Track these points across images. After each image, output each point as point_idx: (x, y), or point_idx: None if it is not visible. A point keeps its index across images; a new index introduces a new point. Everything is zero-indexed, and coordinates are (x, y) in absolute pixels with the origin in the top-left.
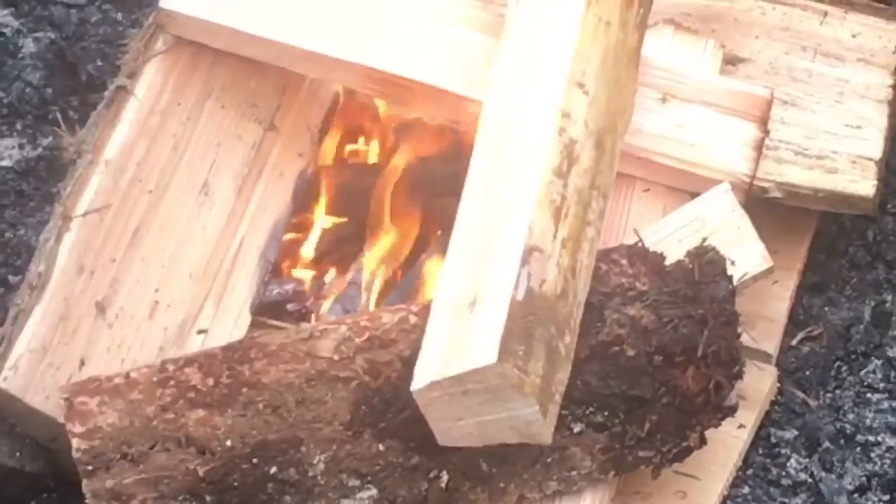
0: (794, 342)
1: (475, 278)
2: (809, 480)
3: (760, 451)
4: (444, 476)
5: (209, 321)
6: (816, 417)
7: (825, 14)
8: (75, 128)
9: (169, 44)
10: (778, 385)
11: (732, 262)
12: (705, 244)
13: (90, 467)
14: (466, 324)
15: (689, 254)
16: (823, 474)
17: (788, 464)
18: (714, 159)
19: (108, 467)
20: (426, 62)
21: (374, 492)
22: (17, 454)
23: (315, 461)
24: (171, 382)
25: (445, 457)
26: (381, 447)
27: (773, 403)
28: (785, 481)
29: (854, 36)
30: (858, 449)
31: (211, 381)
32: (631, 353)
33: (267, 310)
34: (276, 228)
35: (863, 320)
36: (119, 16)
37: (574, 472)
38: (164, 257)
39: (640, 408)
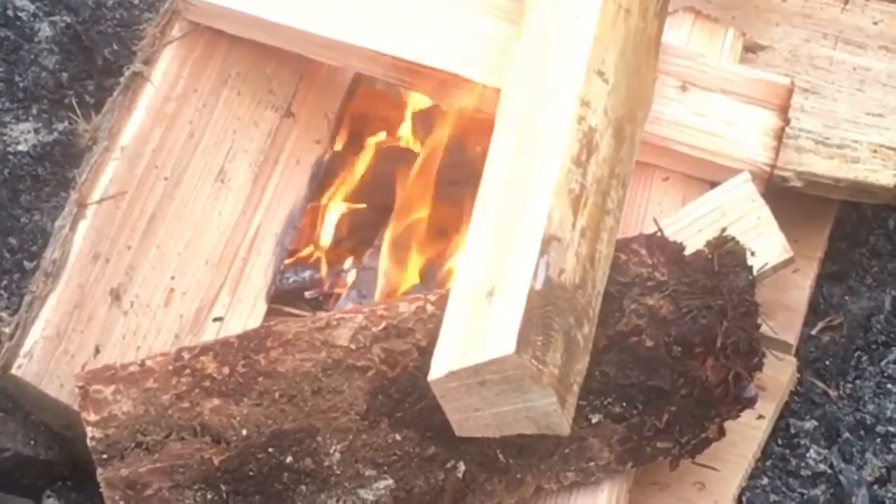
0: (813, 332)
1: (493, 267)
2: (829, 471)
3: (780, 442)
4: (461, 466)
5: (225, 309)
6: (836, 408)
7: (846, 1)
8: (91, 112)
9: (185, 30)
10: (797, 375)
11: (752, 253)
12: (725, 234)
13: (105, 456)
14: (484, 313)
15: (708, 244)
16: (843, 465)
17: (808, 455)
18: (734, 148)
19: (123, 456)
20: (445, 49)
21: (390, 482)
22: (32, 442)
23: (331, 451)
24: (187, 371)
25: (462, 447)
26: (397, 437)
27: (792, 394)
28: (804, 472)
29: (876, 23)
30: (878, 440)
31: (227, 370)
32: (650, 343)
33: (283, 297)
34: (293, 216)
35: (883, 310)
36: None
37: (592, 464)
38: (179, 245)
39: (659, 399)
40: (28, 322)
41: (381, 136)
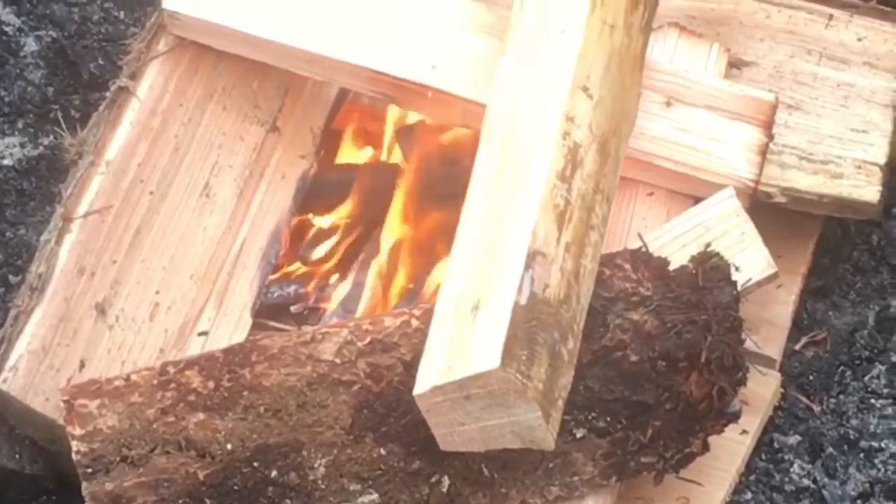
0: (797, 347)
1: (478, 282)
2: (812, 486)
3: (763, 457)
4: (446, 481)
5: (210, 323)
6: (820, 423)
7: (830, 17)
8: (76, 127)
9: (171, 45)
10: (781, 390)
11: (737, 268)
12: (709, 249)
13: (90, 470)
14: (469, 328)
15: (693, 259)
16: (827, 480)
17: (792, 469)
18: (718, 164)
19: (108, 470)
20: (429, 64)
21: (374, 496)
22: (17, 456)
23: (316, 465)
24: (172, 385)
25: (447, 462)
26: (382, 451)
27: (776, 409)
28: (788, 487)
29: (860, 39)
30: (862, 455)
31: (212, 384)
32: (634, 358)
33: (268, 312)
34: (278, 230)
35: (867, 325)
36: (121, 14)
37: (576, 478)
38: (164, 259)
39: (643, 413)
40: (13, 336)
41: (367, 150)
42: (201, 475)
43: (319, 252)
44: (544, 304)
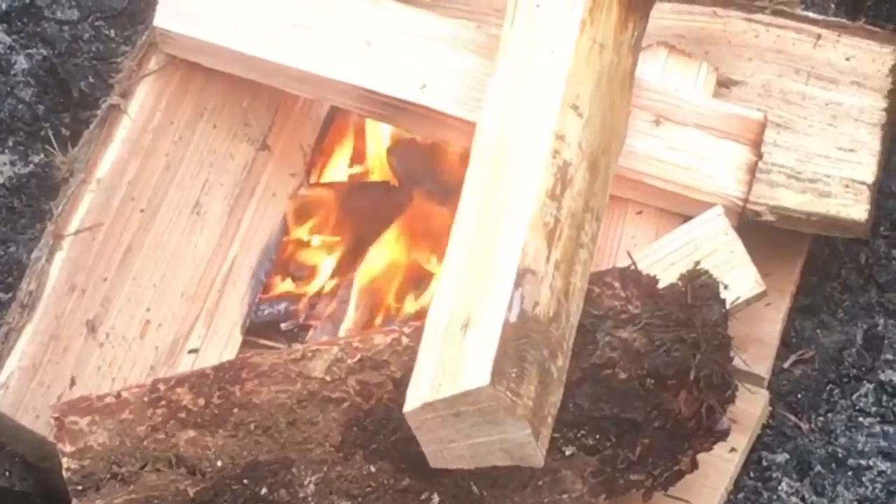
0: (785, 365)
1: (468, 300)
2: None
3: (752, 475)
4: (435, 498)
5: (200, 341)
6: (808, 441)
7: (819, 37)
8: (67, 145)
9: (162, 63)
10: (769, 408)
11: (725, 286)
12: (698, 267)
13: (80, 487)
14: (459, 346)
15: (681, 277)
16: (815, 498)
17: (780, 487)
18: (707, 182)
19: (99, 487)
20: (420, 83)
21: None
22: (7, 473)
23: (306, 482)
24: (162, 402)
25: (436, 479)
26: (371, 469)
27: (764, 426)
28: None
29: (848, 59)
30: (850, 473)
31: (202, 402)
32: (623, 376)
33: (259, 329)
34: (268, 248)
35: (855, 343)
36: (111, 33)
37: (565, 496)
38: (155, 276)
39: (632, 431)
40: (4, 353)
41: (357, 168)
42: (191, 492)
43: (309, 269)
44: (534, 321)
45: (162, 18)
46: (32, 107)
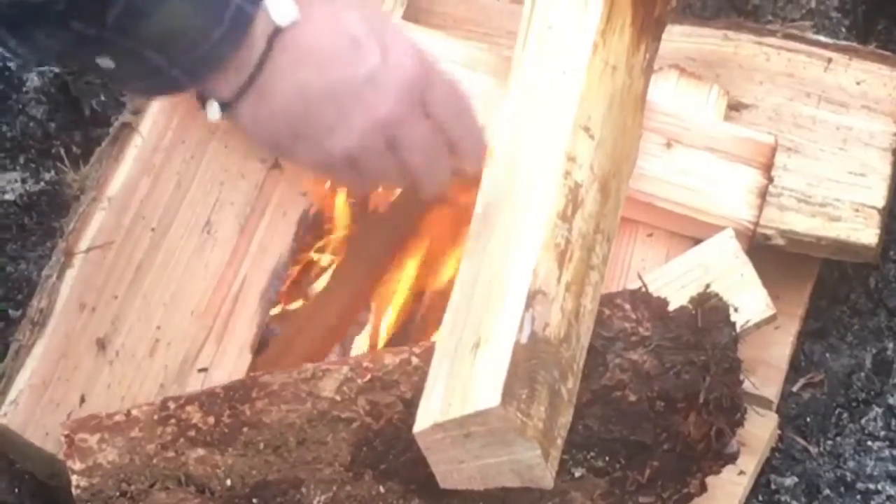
0: (794, 388)
1: (479, 321)
2: None
3: (760, 498)
4: None
5: (210, 360)
6: (817, 465)
7: (830, 60)
8: (78, 162)
9: None
10: (778, 431)
11: (735, 309)
12: (708, 290)
13: None
14: (469, 366)
15: (692, 300)
16: None
17: None
18: (718, 205)
19: None
20: None
21: None
22: (16, 490)
23: (315, 502)
24: (172, 421)
25: (445, 500)
26: (381, 489)
27: (773, 450)
28: None
29: (858, 83)
30: (859, 497)
31: (212, 420)
32: (633, 398)
33: None
34: (279, 267)
35: (864, 367)
36: None
37: None
38: (165, 295)
39: (642, 453)
40: (14, 371)
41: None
42: None
43: (320, 289)
44: (545, 342)
45: None
46: (44, 124)
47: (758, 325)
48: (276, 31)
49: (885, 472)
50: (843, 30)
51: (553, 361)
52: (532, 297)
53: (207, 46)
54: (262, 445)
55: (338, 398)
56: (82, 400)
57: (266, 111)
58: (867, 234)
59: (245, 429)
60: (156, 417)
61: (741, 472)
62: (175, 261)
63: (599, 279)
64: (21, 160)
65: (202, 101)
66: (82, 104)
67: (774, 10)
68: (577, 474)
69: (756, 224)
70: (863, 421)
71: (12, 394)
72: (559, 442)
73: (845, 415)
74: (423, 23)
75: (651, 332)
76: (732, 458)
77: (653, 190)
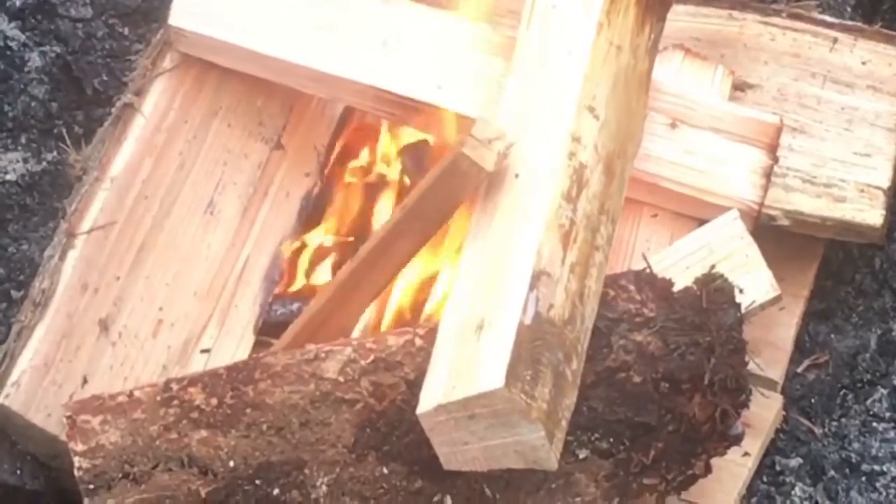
0: (799, 369)
1: (483, 302)
2: None
3: (765, 479)
4: (448, 501)
5: (213, 341)
6: (821, 446)
7: (835, 41)
8: (80, 142)
9: (176, 61)
10: (783, 413)
11: (740, 290)
12: (713, 271)
13: (92, 486)
14: (474, 347)
15: (696, 281)
16: (828, 503)
17: (793, 492)
18: (723, 186)
19: (110, 486)
20: (435, 84)
21: None
22: (18, 472)
23: (318, 483)
24: (175, 402)
25: (449, 481)
26: (384, 470)
27: (778, 431)
28: None
29: (864, 63)
30: (864, 478)
31: (215, 402)
32: (637, 379)
33: (272, 329)
34: (281, 249)
35: (869, 348)
36: (125, 30)
37: (578, 499)
38: (168, 276)
39: (646, 435)
40: (16, 351)
41: (371, 169)
42: (203, 492)
43: (322, 270)
44: (549, 324)
45: (177, 17)
46: (46, 104)
47: (763, 307)
48: None
49: (891, 453)
50: (849, 9)
51: (557, 343)
52: (536, 279)
53: None
54: (265, 427)
55: (341, 379)
56: (85, 381)
57: None
58: (873, 214)
59: (248, 410)
60: (158, 399)
61: (746, 454)
62: (177, 241)
63: (604, 260)
64: (23, 140)
65: None
66: (84, 84)
67: None
68: (581, 456)
69: (761, 205)
70: (868, 402)
71: (14, 375)
72: (563, 423)
73: (850, 396)
74: (427, 2)
75: (656, 314)
76: (737, 440)
77: (657, 170)
